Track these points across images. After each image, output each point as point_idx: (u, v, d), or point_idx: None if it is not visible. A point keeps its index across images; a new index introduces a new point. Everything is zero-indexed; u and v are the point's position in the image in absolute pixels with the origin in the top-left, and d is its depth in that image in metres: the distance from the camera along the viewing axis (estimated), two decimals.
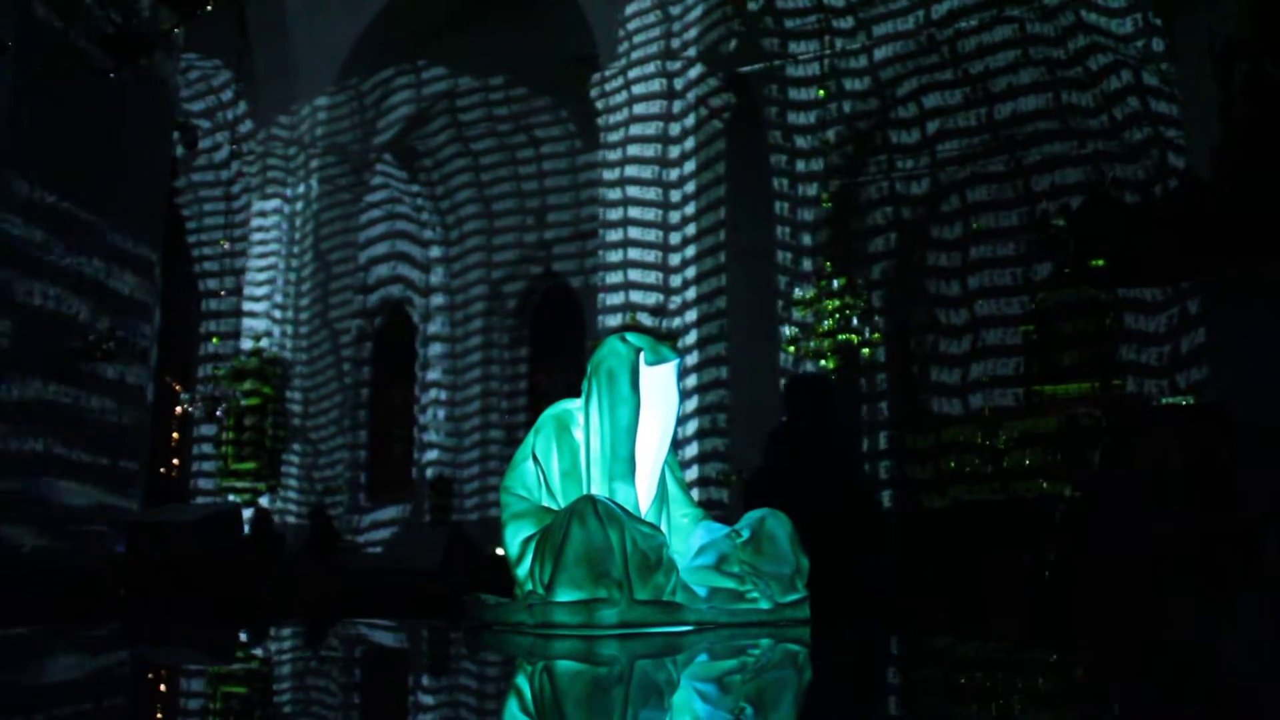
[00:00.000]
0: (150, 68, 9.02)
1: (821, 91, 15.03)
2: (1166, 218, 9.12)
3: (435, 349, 20.50)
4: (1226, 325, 9.82)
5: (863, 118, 15.78)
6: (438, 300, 20.70)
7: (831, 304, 13.41)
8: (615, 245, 14.76)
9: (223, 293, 18.50)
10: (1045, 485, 13.62)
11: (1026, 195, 15.80)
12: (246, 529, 11.31)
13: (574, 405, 3.85)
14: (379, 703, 2.58)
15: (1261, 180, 7.94)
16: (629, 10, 15.22)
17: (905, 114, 16.05)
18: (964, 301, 16.31)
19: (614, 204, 14.91)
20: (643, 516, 3.64)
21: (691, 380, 14.26)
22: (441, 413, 20.19)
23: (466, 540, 14.53)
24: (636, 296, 14.45)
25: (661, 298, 14.52)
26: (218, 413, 16.54)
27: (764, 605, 3.71)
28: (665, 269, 14.62)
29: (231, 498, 16.15)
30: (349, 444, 19.84)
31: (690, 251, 14.70)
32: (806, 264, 15.07)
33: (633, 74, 15.09)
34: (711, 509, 11.99)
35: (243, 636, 4.04)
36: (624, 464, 3.64)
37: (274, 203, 18.34)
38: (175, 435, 21.09)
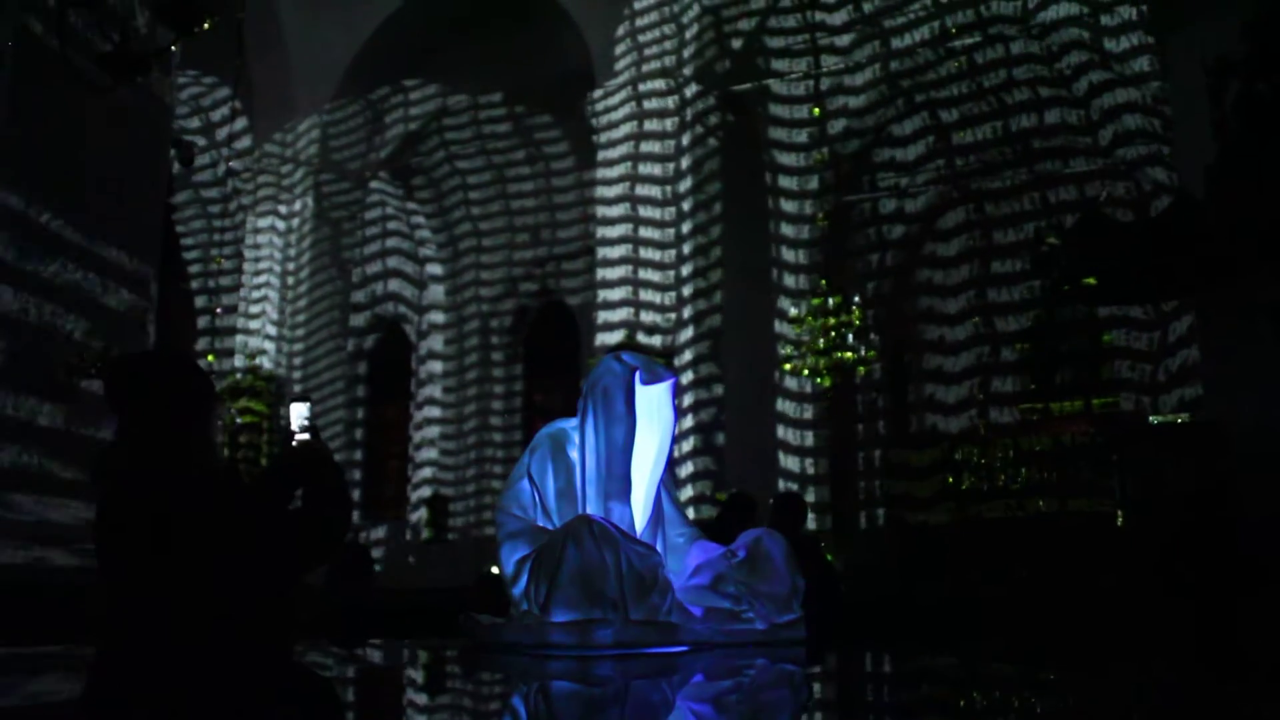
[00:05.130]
0: (147, 85, 9.03)
1: (816, 110, 15.09)
2: (1159, 235, 9.15)
3: (431, 366, 20.48)
4: (1220, 343, 9.84)
5: (858, 135, 15.84)
6: (434, 318, 20.69)
7: (827, 321, 13.43)
8: (611, 263, 14.80)
9: (218, 310, 18.50)
10: (1041, 504, 13.62)
11: (1021, 213, 15.86)
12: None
13: (570, 425, 3.86)
14: None
15: (1254, 198, 7.97)
16: (625, 29, 15.30)
17: (900, 131, 16.12)
18: (959, 319, 16.35)
19: (610, 222, 14.96)
20: (638, 536, 3.65)
21: (687, 398, 14.27)
22: (437, 430, 20.16)
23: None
24: (632, 314, 14.48)
25: (657, 316, 14.54)
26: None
27: (760, 625, 3.70)
28: (661, 287, 14.64)
29: None
30: (344, 461, 19.80)
31: (686, 269, 14.73)
32: (802, 281, 15.11)
33: (629, 92, 15.17)
34: (707, 529, 11.94)
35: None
36: (619, 483, 3.64)
37: (270, 219, 18.37)
38: None
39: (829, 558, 8.12)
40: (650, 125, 15.10)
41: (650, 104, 15.09)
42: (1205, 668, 3.91)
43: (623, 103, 15.21)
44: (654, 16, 15.23)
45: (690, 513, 12.94)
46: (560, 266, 19.93)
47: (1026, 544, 11.43)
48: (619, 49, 15.34)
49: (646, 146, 15.05)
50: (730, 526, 6.81)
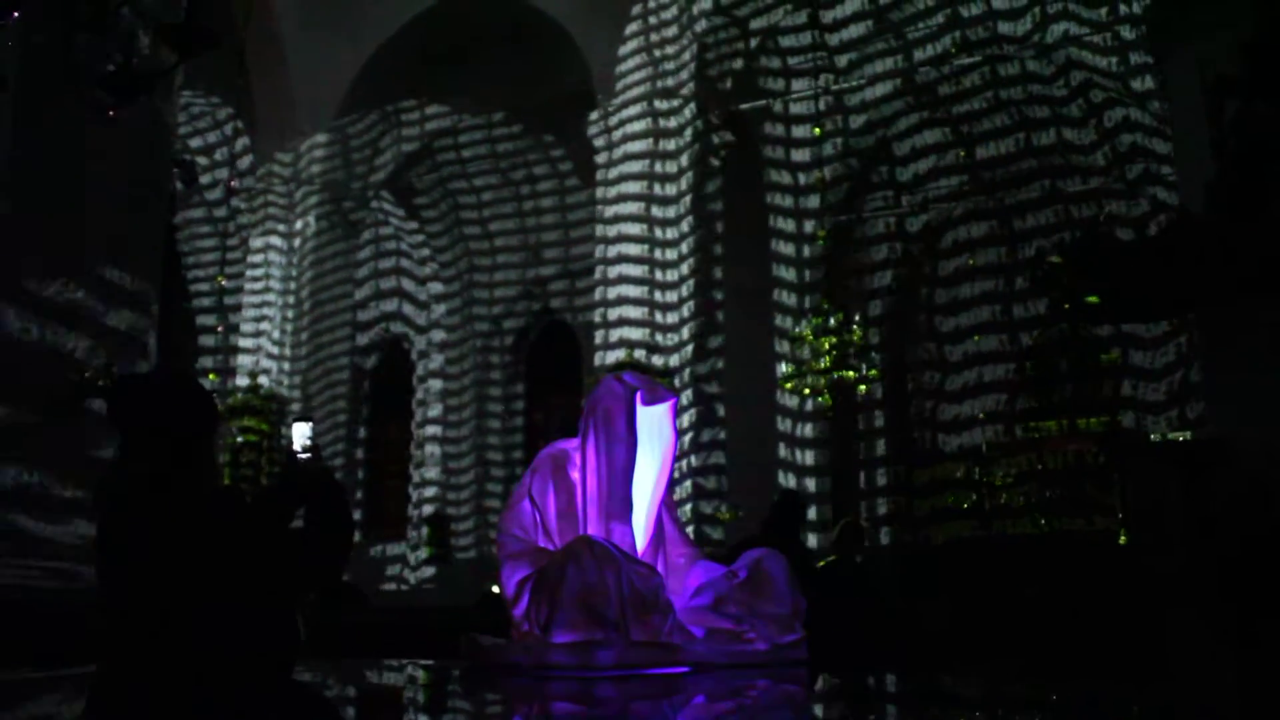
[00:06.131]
0: (149, 105, 9.05)
1: (817, 129, 15.13)
2: (1160, 253, 9.15)
3: (433, 385, 20.48)
4: (1222, 361, 9.83)
5: (859, 154, 15.89)
6: (435, 336, 20.70)
7: (828, 340, 13.42)
8: (612, 282, 14.78)
9: (220, 329, 18.49)
10: (1043, 521, 13.60)
11: (1022, 231, 15.88)
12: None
13: (571, 445, 3.86)
14: None
15: (1253, 215, 7.97)
16: (626, 48, 15.33)
17: (901, 150, 16.17)
18: (960, 337, 16.35)
19: (611, 241, 14.95)
20: (639, 557, 3.64)
21: (687, 418, 14.23)
22: (438, 449, 20.13)
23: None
24: (633, 334, 14.45)
25: (658, 335, 14.53)
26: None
27: (761, 646, 3.69)
28: (662, 306, 14.63)
29: None
30: (345, 480, 19.75)
31: (687, 289, 14.72)
32: (803, 300, 15.11)
33: (630, 111, 15.18)
34: (707, 548, 11.94)
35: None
36: (620, 504, 3.64)
37: (272, 239, 18.38)
38: None
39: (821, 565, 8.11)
40: (651, 144, 15.11)
41: (651, 123, 15.11)
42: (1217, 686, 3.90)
43: (624, 122, 15.23)
44: (656, 36, 15.26)
45: (691, 532, 12.91)
46: (565, 285, 19.95)
47: (1030, 562, 11.39)
48: (621, 68, 15.36)
49: (648, 165, 15.06)
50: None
